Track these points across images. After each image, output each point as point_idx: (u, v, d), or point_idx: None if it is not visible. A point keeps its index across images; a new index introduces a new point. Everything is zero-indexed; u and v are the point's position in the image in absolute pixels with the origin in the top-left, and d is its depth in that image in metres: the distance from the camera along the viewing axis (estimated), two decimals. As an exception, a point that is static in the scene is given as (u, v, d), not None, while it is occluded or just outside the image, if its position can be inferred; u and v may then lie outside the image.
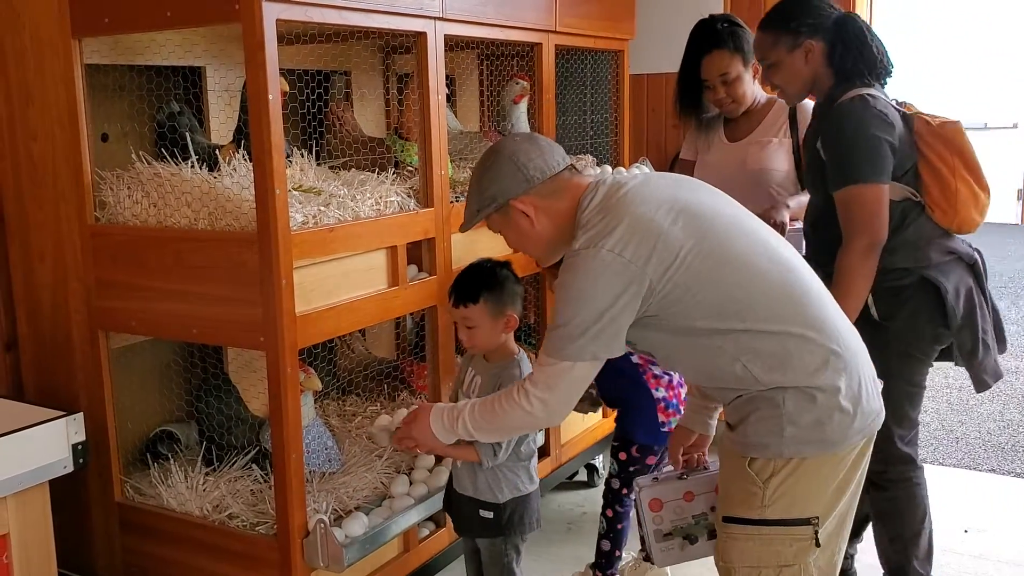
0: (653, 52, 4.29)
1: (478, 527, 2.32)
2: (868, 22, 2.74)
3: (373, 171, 2.77)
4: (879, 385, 1.93)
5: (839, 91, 2.48)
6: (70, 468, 2.00)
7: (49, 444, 1.97)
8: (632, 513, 2.80)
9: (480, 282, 2.23)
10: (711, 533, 2.08)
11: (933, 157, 2.45)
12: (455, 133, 3.57)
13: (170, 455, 2.72)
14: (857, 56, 2.47)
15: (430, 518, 2.80)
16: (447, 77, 3.83)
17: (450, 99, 3.90)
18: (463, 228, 2.07)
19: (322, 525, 2.26)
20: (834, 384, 1.79)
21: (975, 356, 2.49)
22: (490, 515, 2.28)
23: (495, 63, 3.91)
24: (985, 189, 2.48)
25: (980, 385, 2.53)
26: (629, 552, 2.99)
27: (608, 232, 1.78)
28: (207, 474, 2.60)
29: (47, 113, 2.52)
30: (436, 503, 2.57)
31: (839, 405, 1.79)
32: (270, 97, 2.16)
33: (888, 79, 2.54)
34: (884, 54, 2.50)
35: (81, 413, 2.03)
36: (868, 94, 2.42)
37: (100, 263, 2.50)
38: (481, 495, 2.29)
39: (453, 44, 3.29)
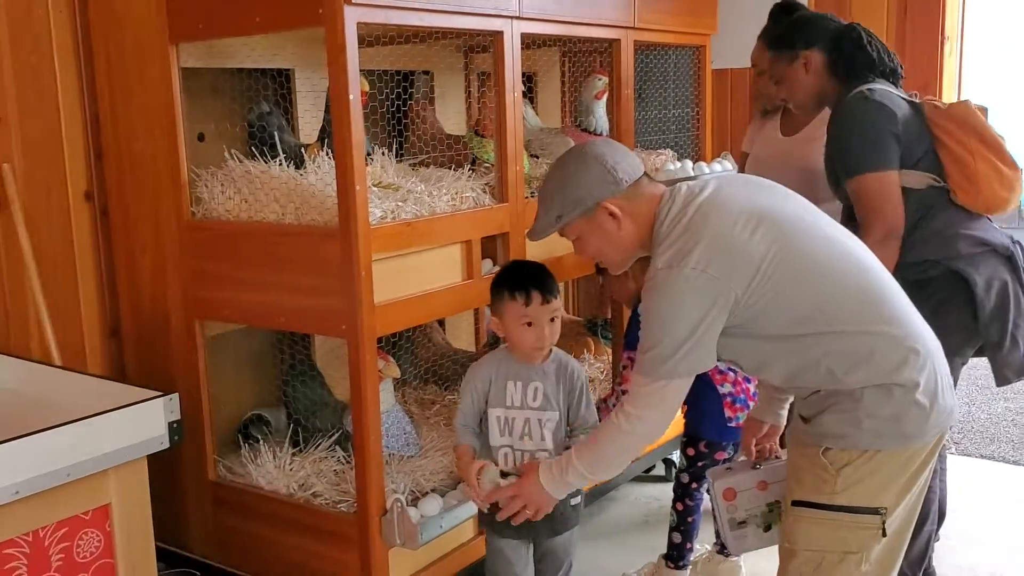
0: (737, 46, 4.27)
1: (572, 519, 2.28)
2: (944, 43, 2.81)
3: (452, 168, 2.87)
4: (952, 383, 1.93)
5: (844, 95, 2.52)
6: (166, 444, 2.15)
7: (147, 422, 2.12)
8: (706, 503, 2.83)
9: (550, 276, 2.23)
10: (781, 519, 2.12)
11: (948, 139, 2.44)
12: (534, 130, 3.64)
13: (260, 437, 2.87)
14: (852, 60, 2.54)
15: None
16: (528, 74, 3.93)
17: (530, 95, 3.98)
18: (536, 236, 2.07)
19: (399, 504, 2.37)
20: (913, 380, 1.81)
21: (1000, 349, 2.43)
22: (579, 500, 2.27)
23: (577, 59, 3.97)
24: (1010, 164, 2.43)
25: (1000, 379, 2.47)
26: (703, 544, 3.02)
27: (690, 250, 1.79)
28: (294, 455, 2.74)
29: (147, 114, 2.69)
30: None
31: (916, 401, 1.81)
32: (351, 97, 2.27)
33: (897, 78, 2.58)
34: (886, 54, 2.56)
35: (176, 394, 2.17)
36: (867, 88, 2.47)
37: (196, 255, 2.66)
38: None
39: (534, 41, 3.36)
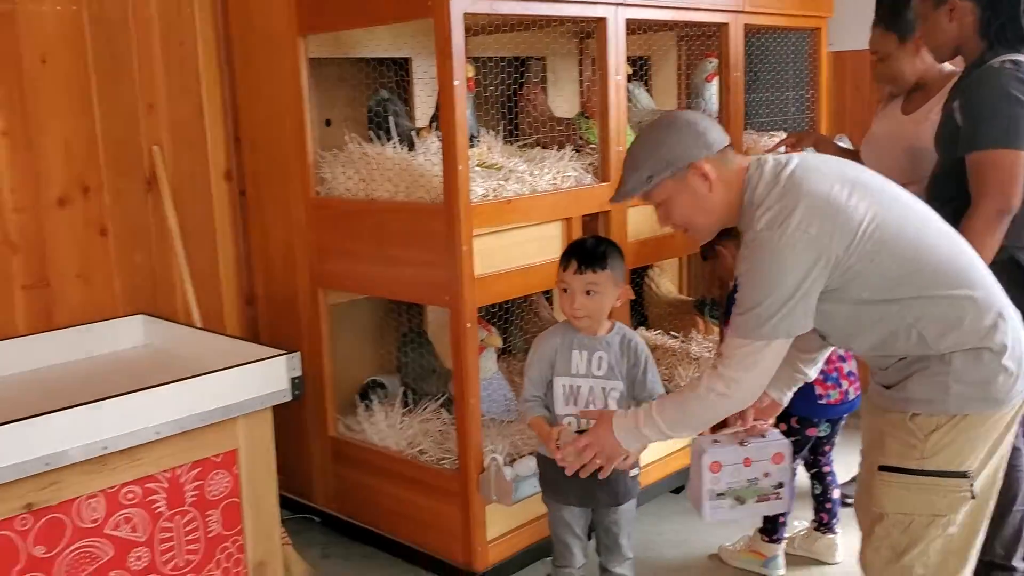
0: (855, 29, 4.22)
1: (630, 491, 2.33)
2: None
3: (559, 149, 3.01)
4: None
5: (987, 57, 2.40)
6: (288, 398, 2.39)
7: (272, 376, 2.36)
8: (801, 481, 2.84)
9: (606, 249, 2.25)
10: (760, 497, 2.22)
11: None
12: (646, 112, 3.73)
13: (376, 400, 3.10)
14: (1005, 27, 2.39)
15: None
16: (643, 57, 4.01)
17: (645, 78, 4.07)
18: (621, 198, 2.08)
19: (495, 463, 2.55)
20: (1002, 343, 1.82)
21: None
22: (637, 471, 2.34)
23: (692, 42, 4.02)
24: None
25: None
26: (802, 521, 3.07)
27: (791, 211, 1.80)
28: (404, 415, 2.96)
29: (280, 102, 2.95)
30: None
31: (1004, 365, 1.82)
32: (456, 83, 2.44)
33: None
34: None
35: (298, 352, 2.41)
36: (1015, 59, 2.34)
37: (320, 230, 2.91)
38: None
39: (649, 26, 3.45)
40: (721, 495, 2.20)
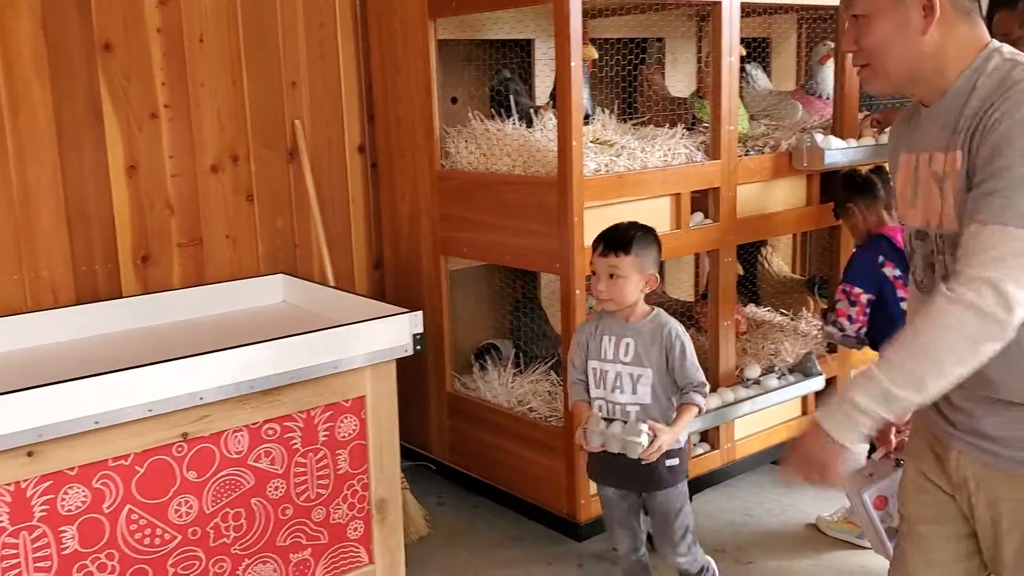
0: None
1: (666, 478, 2.31)
2: None
3: (671, 127, 3.13)
4: None
5: None
6: (410, 352, 2.61)
7: (397, 332, 2.58)
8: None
9: (633, 236, 2.26)
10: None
11: None
12: (763, 93, 3.80)
13: (491, 362, 3.31)
14: None
15: (704, 439, 3.16)
16: (763, 39, 4.06)
17: (764, 60, 4.12)
18: None
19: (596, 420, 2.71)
20: None
21: None
22: (676, 461, 2.30)
23: (812, 25, 4.05)
24: None
25: None
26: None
27: None
28: (515, 375, 3.15)
29: (410, 81, 3.17)
30: (713, 420, 2.91)
31: None
32: (572, 64, 2.59)
33: None
34: None
35: (420, 311, 2.63)
36: None
37: (443, 201, 3.12)
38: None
39: (769, 8, 3.51)
40: (895, 529, 1.93)
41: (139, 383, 2.16)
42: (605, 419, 2.28)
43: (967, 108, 1.47)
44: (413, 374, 3.24)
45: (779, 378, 3.17)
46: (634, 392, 2.29)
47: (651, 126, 3.18)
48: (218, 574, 2.37)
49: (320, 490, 2.54)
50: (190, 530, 2.32)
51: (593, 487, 2.84)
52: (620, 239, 2.25)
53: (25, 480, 2.08)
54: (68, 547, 2.15)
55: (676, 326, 2.30)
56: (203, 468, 2.33)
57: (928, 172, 1.54)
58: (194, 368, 2.26)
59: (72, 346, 2.69)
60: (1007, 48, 1.52)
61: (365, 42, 3.37)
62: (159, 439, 2.24)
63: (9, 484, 2.06)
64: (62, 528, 2.14)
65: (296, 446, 2.48)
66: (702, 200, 3.05)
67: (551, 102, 3.04)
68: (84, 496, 2.16)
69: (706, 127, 3.15)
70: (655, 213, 2.88)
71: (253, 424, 2.39)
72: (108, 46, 2.88)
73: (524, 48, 3.35)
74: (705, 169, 2.98)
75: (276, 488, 2.45)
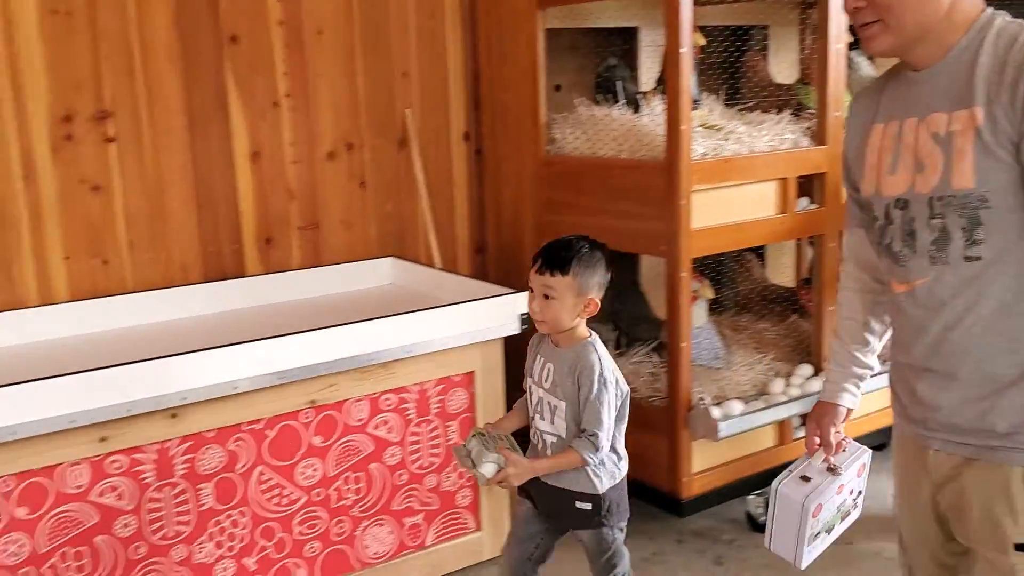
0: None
1: (576, 519, 2.08)
2: None
3: (777, 113, 3.15)
4: None
5: None
6: (517, 331, 2.71)
7: (504, 311, 2.68)
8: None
9: (574, 255, 2.00)
10: (842, 515, 1.92)
11: None
12: (866, 79, 3.78)
13: (592, 344, 3.38)
14: None
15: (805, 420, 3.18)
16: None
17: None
18: None
19: (703, 402, 2.76)
20: None
21: None
22: (588, 507, 2.04)
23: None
24: None
25: None
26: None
27: None
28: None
29: (516, 69, 3.26)
30: (810, 404, 2.93)
31: None
32: (682, 50, 2.65)
33: None
34: None
35: (527, 292, 2.73)
36: None
37: (547, 186, 3.20)
38: (578, 485, 2.03)
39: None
40: (815, 536, 1.87)
41: (273, 353, 2.31)
42: (480, 434, 2.04)
43: (978, 66, 1.45)
44: (516, 355, 3.32)
45: (884, 363, 3.15)
46: (552, 422, 2.04)
47: (757, 112, 3.21)
48: (338, 534, 2.51)
49: (432, 459, 2.65)
50: (314, 491, 2.46)
51: (700, 464, 2.90)
52: (558, 257, 1.99)
53: (169, 440, 2.24)
54: (205, 504, 2.31)
55: (596, 362, 1.98)
56: (328, 434, 2.47)
57: (924, 135, 1.50)
58: (322, 340, 2.40)
59: (201, 320, 2.87)
60: (1006, 13, 1.51)
61: (473, 32, 3.47)
62: (289, 405, 2.39)
63: (155, 443, 2.22)
64: (200, 485, 2.30)
65: (411, 416, 2.60)
66: (807, 186, 3.06)
67: (657, 87, 3.09)
68: (221, 456, 2.32)
69: (811, 113, 3.16)
70: (761, 198, 2.92)
71: (372, 394, 2.52)
72: (234, 39, 3.05)
73: (628, 36, 3.41)
74: (811, 155, 3.00)
75: (392, 455, 2.58)
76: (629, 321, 3.30)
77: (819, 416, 1.85)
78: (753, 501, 2.94)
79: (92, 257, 2.87)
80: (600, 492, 2.03)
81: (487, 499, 2.75)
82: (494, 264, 3.57)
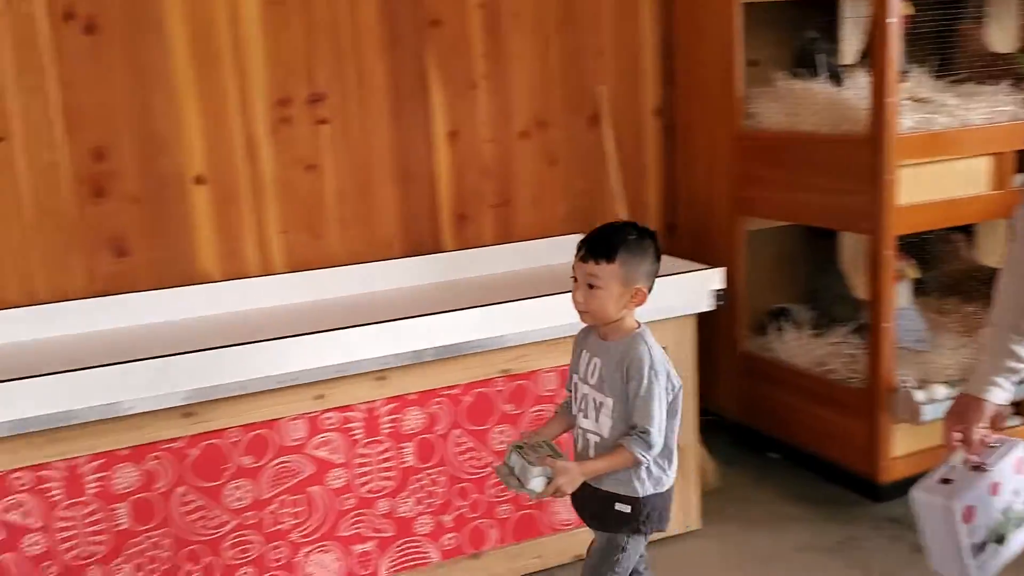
0: None
1: (614, 521, 1.95)
2: None
3: (995, 84, 2.96)
4: None
5: None
6: (712, 307, 2.69)
7: (698, 287, 2.67)
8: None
9: (621, 242, 1.86)
10: (1017, 523, 1.74)
11: None
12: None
13: (783, 326, 3.31)
14: None
15: (1019, 411, 3.00)
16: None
17: None
18: None
19: (905, 385, 2.66)
20: None
21: None
22: (627, 509, 1.93)
23: None
24: None
25: None
26: None
27: None
28: (812, 337, 3.14)
29: (713, 44, 3.22)
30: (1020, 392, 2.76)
31: None
32: (889, 20, 2.54)
33: None
34: None
35: (724, 268, 2.70)
36: None
37: (743, 161, 3.15)
38: (620, 487, 1.92)
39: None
40: (981, 546, 1.70)
41: (472, 322, 2.42)
42: (518, 447, 1.92)
43: None
44: (705, 332, 3.30)
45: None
46: (596, 420, 1.93)
47: (970, 83, 3.03)
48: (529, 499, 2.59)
49: (623, 433, 2.68)
50: (508, 457, 2.55)
51: (901, 448, 2.78)
52: (604, 244, 1.86)
53: (375, 400, 2.39)
54: (407, 461, 2.45)
55: (645, 354, 1.88)
56: (519, 402, 2.55)
57: None
58: (516, 312, 2.48)
59: (402, 292, 3.01)
60: None
61: (667, 8, 3.45)
62: (484, 373, 2.49)
63: (363, 403, 2.38)
64: (402, 444, 2.44)
65: (603, 390, 2.64)
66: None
67: (861, 60, 2.98)
68: (421, 418, 2.44)
69: (1032, 83, 2.96)
70: (972, 174, 2.77)
71: (564, 366, 2.57)
72: (436, 22, 3.17)
73: (830, 8, 3.29)
74: (1032, 127, 2.81)
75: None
76: (827, 300, 3.21)
77: (961, 411, 1.70)
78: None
79: (305, 231, 3.08)
80: (641, 496, 1.91)
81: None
82: (686, 241, 3.55)
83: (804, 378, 3.01)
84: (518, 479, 1.86)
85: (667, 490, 1.95)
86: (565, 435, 2.05)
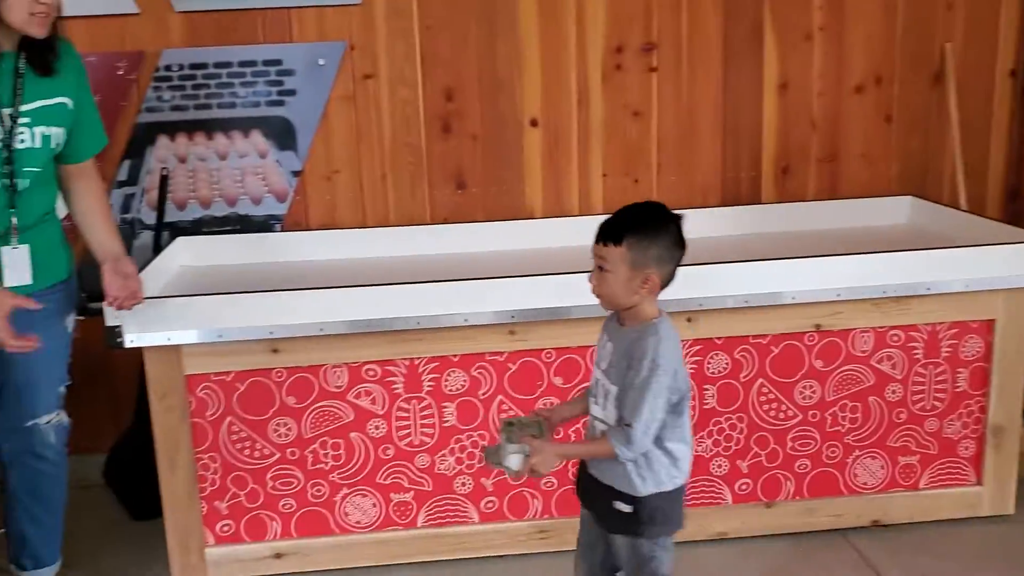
0: None
1: (614, 521, 1.86)
2: None
3: None
4: None
5: None
6: (1053, 282, 2.49)
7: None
8: None
9: (631, 225, 1.77)
10: None
11: None
12: None
13: None
14: None
15: None
16: None
17: None
18: None
19: None
20: None
21: None
22: (628, 509, 1.83)
23: None
24: None
25: None
26: None
27: None
28: None
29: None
30: None
31: None
32: None
33: None
34: None
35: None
36: None
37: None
38: (619, 483, 1.83)
39: None
40: None
41: (782, 273, 2.42)
42: (509, 424, 1.86)
43: None
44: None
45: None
46: (604, 408, 1.83)
47: None
48: (830, 457, 2.58)
49: (936, 403, 2.58)
50: (810, 412, 2.55)
51: None
52: (614, 225, 1.78)
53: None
54: (708, 403, 2.52)
55: (652, 345, 1.74)
56: (829, 359, 2.53)
57: None
58: (831, 267, 2.45)
59: (720, 241, 3.03)
60: None
61: (1038, -45, 3.16)
62: (795, 326, 2.49)
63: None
64: (705, 387, 2.51)
65: (917, 356, 2.55)
66: None
67: None
68: (727, 363, 2.50)
69: None
70: None
71: (880, 328, 2.51)
72: (768, -29, 3.14)
73: None
74: None
75: (894, 392, 2.56)
76: None
77: None
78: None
79: (625, 176, 3.21)
80: (642, 495, 1.80)
81: (992, 455, 2.61)
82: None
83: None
84: (497, 458, 1.84)
85: (672, 491, 1.84)
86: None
